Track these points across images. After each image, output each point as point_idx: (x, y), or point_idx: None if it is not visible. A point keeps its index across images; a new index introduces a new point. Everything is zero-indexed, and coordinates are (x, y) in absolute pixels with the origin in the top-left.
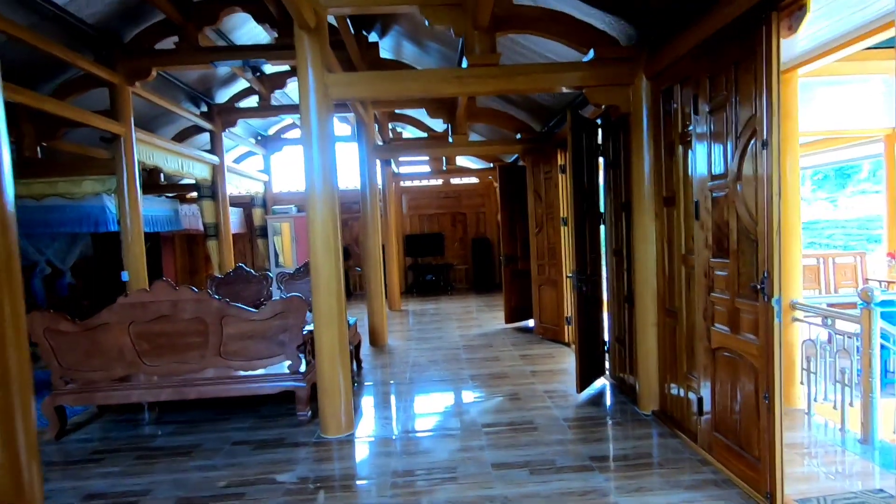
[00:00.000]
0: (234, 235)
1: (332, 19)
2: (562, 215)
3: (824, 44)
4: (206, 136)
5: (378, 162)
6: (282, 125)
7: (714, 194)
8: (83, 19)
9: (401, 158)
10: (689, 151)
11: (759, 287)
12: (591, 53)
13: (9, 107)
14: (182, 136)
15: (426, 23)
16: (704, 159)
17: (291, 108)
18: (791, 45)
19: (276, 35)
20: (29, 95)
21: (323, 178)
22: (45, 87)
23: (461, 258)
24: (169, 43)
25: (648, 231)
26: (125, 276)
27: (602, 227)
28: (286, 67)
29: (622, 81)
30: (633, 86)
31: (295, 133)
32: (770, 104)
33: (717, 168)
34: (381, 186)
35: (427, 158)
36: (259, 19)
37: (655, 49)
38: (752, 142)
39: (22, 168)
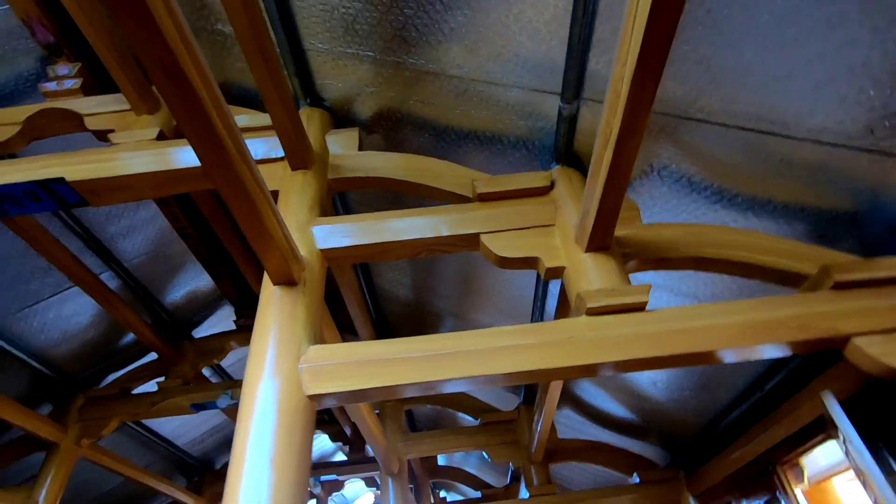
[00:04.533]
0: None
1: None
2: None
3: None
4: None
5: None
6: None
7: None
8: (189, 452)
9: None
10: None
11: None
12: (636, 477)
13: None
14: None
15: (486, 457)
16: None
17: None
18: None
19: (349, 448)
20: None
21: None
22: None
23: None
24: None
25: None
26: None
27: None
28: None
29: (670, 500)
30: None
31: None
32: None
33: None
34: None
35: None
36: (334, 440)
37: (691, 472)
38: None
39: None
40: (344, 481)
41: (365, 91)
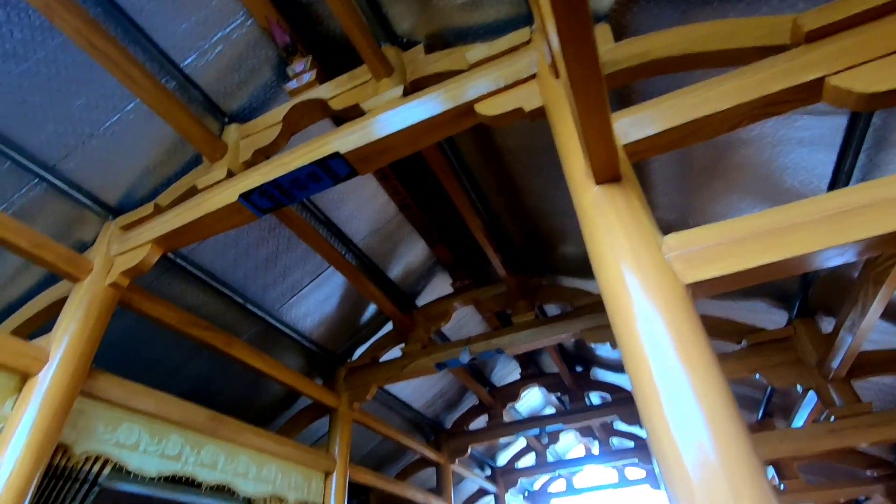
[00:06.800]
0: None
1: None
2: None
3: None
4: (487, 499)
5: None
6: (545, 479)
7: None
8: (424, 414)
9: None
10: None
11: None
12: None
13: (362, 489)
14: (471, 501)
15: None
16: None
17: (563, 464)
18: None
19: (567, 398)
20: (381, 479)
21: None
22: (390, 472)
23: None
24: (479, 422)
25: None
26: None
27: None
28: (559, 426)
29: None
30: None
31: (559, 485)
32: None
33: None
34: None
35: None
36: (551, 390)
37: None
38: None
39: None
40: (559, 432)
41: None
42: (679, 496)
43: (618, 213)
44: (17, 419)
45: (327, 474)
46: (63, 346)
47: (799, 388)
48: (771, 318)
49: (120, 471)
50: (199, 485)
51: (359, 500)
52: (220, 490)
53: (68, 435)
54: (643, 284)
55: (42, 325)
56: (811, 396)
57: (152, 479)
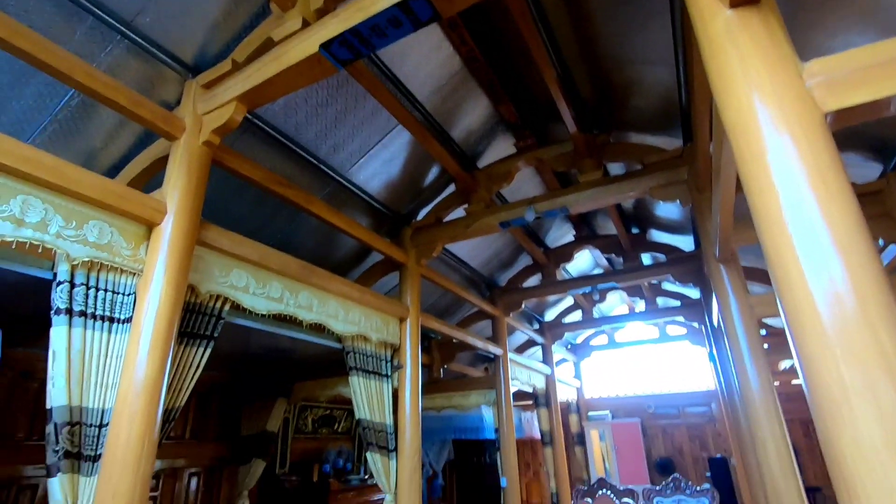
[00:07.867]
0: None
1: None
2: None
3: None
4: (534, 349)
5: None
6: (588, 334)
7: None
8: (479, 272)
9: None
10: None
11: None
12: None
13: (427, 337)
14: (520, 350)
15: None
16: None
17: (607, 320)
18: None
19: (622, 259)
20: (447, 326)
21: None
22: (450, 321)
23: None
24: (532, 280)
25: None
26: (504, 482)
27: None
28: (612, 284)
29: None
30: None
31: (600, 340)
32: None
33: None
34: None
35: None
36: (605, 251)
37: None
38: None
39: (429, 386)
40: (607, 291)
41: None
42: (809, 338)
43: (754, 38)
44: (153, 262)
45: (401, 320)
46: (175, 199)
47: (881, 241)
48: (863, 172)
49: (237, 308)
50: (300, 322)
51: (421, 346)
52: (317, 328)
53: (193, 277)
54: (778, 115)
55: (143, 183)
56: (890, 250)
57: (263, 315)
